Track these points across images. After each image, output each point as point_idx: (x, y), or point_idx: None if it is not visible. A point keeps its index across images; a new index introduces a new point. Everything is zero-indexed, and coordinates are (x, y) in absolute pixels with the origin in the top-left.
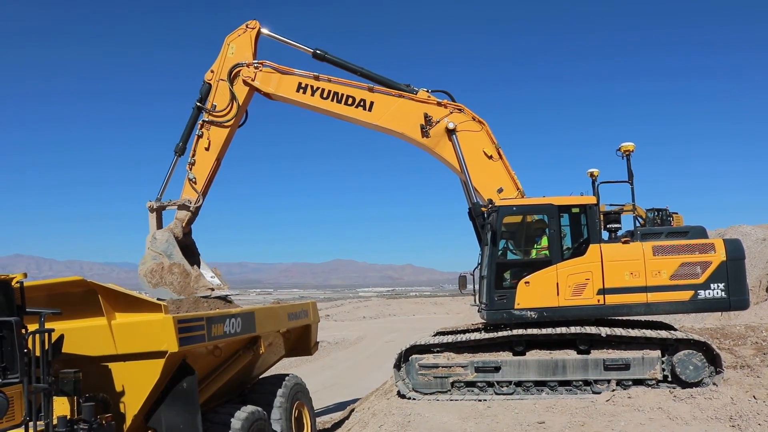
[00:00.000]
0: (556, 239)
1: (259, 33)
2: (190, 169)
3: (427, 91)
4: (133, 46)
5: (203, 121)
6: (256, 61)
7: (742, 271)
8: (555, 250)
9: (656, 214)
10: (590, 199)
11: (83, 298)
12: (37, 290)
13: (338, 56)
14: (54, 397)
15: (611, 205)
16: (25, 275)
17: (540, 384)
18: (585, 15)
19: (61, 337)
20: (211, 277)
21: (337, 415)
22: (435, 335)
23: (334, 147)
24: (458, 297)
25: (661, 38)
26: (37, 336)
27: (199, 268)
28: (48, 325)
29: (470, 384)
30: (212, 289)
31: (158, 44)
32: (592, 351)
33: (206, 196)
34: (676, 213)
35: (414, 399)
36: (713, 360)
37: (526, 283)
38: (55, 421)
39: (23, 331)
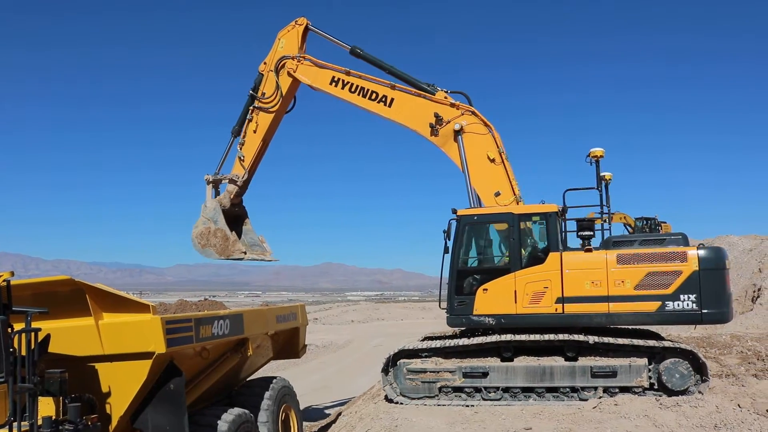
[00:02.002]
0: (516, 247)
1: (306, 29)
2: (240, 149)
3: (446, 92)
4: (128, 46)
5: (253, 107)
6: (299, 55)
7: (718, 282)
8: (514, 258)
9: (645, 222)
10: (550, 207)
11: (70, 298)
12: (24, 289)
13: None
14: (39, 397)
15: (600, 213)
16: (12, 274)
17: (527, 390)
18: (578, 19)
19: (47, 337)
20: (254, 244)
21: (325, 419)
22: (423, 340)
23: (326, 150)
24: None
25: (652, 46)
26: (23, 335)
27: (241, 235)
28: (34, 325)
29: (458, 389)
30: (244, 252)
31: (150, 45)
32: (579, 358)
33: (254, 174)
34: (665, 222)
35: (401, 404)
36: (699, 368)
37: (484, 290)
38: (40, 422)
39: (9, 330)
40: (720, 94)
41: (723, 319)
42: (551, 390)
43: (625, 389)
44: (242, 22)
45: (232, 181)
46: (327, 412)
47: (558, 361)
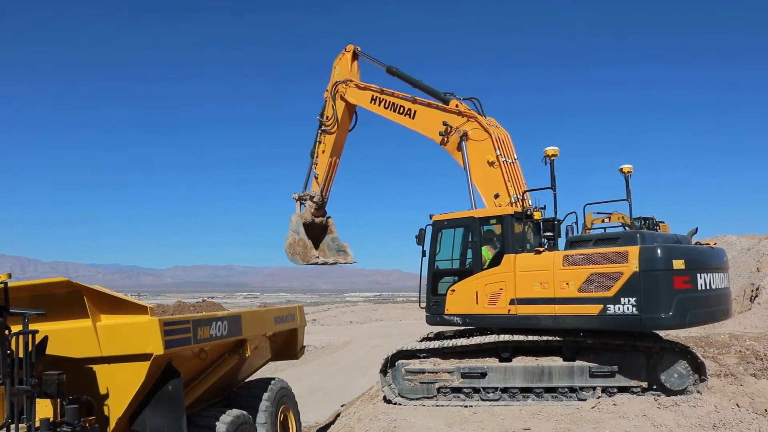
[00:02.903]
0: (477, 250)
1: (354, 54)
2: (314, 168)
3: (458, 99)
4: (128, 47)
5: (320, 130)
6: (347, 79)
7: (661, 285)
8: (476, 260)
9: (643, 222)
10: (506, 210)
11: (68, 300)
12: (22, 291)
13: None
14: (37, 399)
15: (599, 213)
16: (10, 275)
17: (526, 390)
18: (580, 20)
19: (45, 339)
20: (339, 250)
21: (323, 420)
22: (421, 341)
23: None
24: None
25: (651, 48)
26: (21, 337)
27: (320, 243)
28: (32, 327)
29: (456, 390)
30: (318, 257)
31: (149, 45)
32: (577, 358)
33: (329, 188)
34: (663, 222)
35: (400, 404)
36: (697, 368)
37: (452, 291)
38: (37, 424)
39: (6, 332)
40: (720, 94)
41: (666, 325)
42: (550, 390)
43: (623, 389)
44: (242, 23)
45: (310, 198)
46: (326, 413)
47: (556, 362)
